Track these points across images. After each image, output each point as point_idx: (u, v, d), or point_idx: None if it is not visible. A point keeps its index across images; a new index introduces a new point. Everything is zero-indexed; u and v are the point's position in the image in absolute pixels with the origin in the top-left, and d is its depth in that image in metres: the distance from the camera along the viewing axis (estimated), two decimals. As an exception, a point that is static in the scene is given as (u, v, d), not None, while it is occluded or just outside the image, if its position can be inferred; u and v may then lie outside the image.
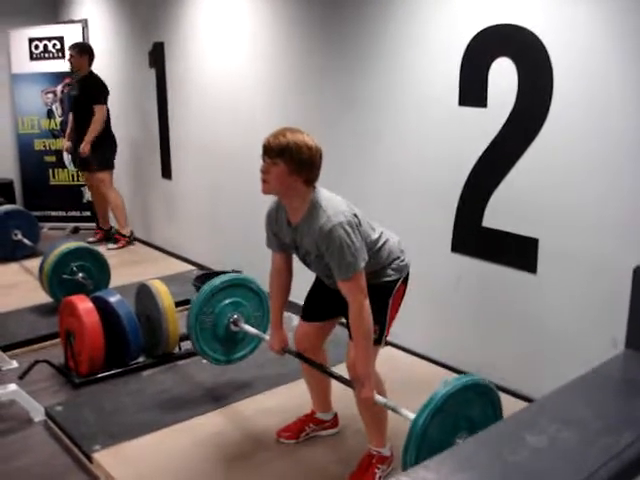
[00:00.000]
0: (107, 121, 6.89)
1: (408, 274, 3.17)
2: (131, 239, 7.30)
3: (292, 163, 2.81)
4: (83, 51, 6.87)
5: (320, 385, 3.55)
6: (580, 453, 1.51)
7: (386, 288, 3.08)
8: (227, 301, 3.72)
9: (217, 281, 3.71)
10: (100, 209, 7.42)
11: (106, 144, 6.92)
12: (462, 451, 1.58)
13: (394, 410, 2.87)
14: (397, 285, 3.10)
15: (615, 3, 3.30)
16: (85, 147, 6.74)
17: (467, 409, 2.61)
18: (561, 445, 1.54)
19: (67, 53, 6.96)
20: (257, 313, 3.83)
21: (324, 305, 3.31)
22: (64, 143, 7.30)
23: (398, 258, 3.11)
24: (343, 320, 3.15)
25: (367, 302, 2.86)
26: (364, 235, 2.92)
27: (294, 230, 3.00)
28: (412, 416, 2.60)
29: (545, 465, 1.46)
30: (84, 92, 6.81)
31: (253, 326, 3.75)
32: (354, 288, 2.84)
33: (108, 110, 6.88)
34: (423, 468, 1.42)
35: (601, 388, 1.98)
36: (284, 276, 3.28)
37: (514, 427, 1.68)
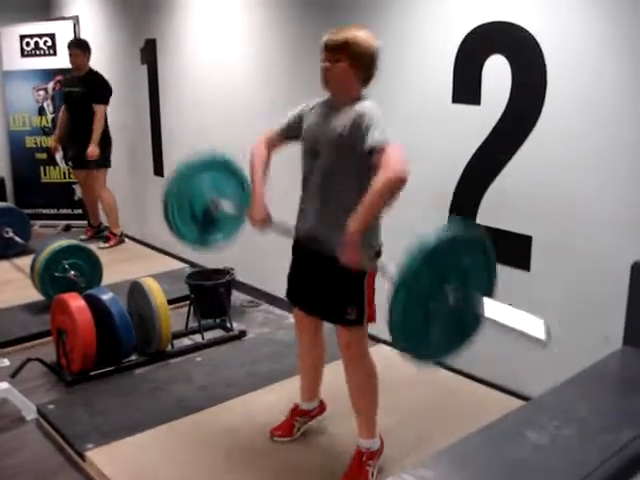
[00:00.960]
0: (105, 120, 6.85)
1: (381, 253, 3.12)
2: (122, 238, 7.28)
3: (354, 58, 2.88)
4: (85, 48, 6.82)
5: (314, 369, 3.51)
6: (581, 450, 1.51)
7: (360, 270, 3.02)
8: (207, 181, 3.52)
9: (197, 160, 3.54)
10: (90, 206, 7.40)
11: (105, 143, 6.88)
12: (462, 448, 1.57)
13: (382, 269, 2.69)
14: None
15: (610, 1, 3.30)
16: (94, 150, 6.71)
17: (458, 258, 2.48)
18: (561, 442, 1.54)
19: (67, 51, 6.85)
20: (237, 195, 3.59)
21: (306, 294, 3.26)
22: (52, 143, 7.26)
23: (378, 238, 3.09)
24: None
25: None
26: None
27: (330, 112, 3.00)
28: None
29: (546, 462, 1.45)
30: (89, 91, 6.74)
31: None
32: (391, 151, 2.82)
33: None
34: (422, 466, 1.41)
35: (600, 385, 1.98)
36: (268, 155, 3.25)
37: (514, 424, 1.68)
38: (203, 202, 3.49)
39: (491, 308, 2.37)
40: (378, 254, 3.07)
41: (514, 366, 3.98)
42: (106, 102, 6.79)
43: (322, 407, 3.65)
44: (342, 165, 2.93)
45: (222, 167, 3.61)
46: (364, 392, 3.20)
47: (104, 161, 6.91)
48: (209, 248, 3.68)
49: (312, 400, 3.60)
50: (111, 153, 7.01)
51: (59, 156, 7.83)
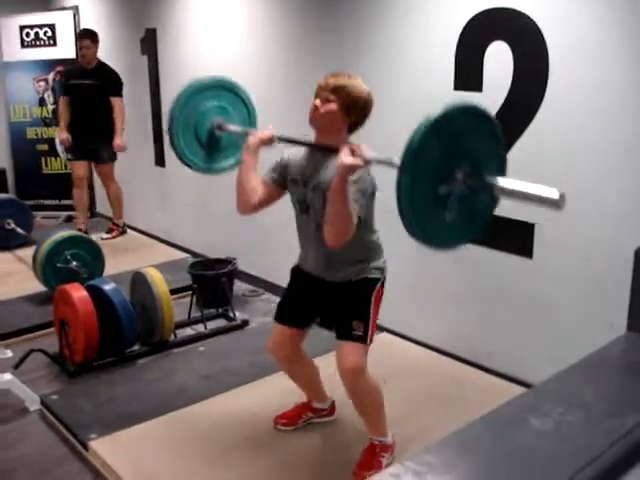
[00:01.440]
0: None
1: (385, 278, 3.14)
2: (124, 229, 7.30)
3: (346, 103, 2.87)
4: (96, 39, 6.69)
5: (309, 381, 3.52)
6: (585, 435, 1.50)
7: (368, 285, 3.06)
8: (214, 103, 3.45)
9: (206, 79, 3.50)
10: (86, 200, 7.26)
11: (113, 136, 6.74)
12: (466, 435, 1.56)
13: (388, 162, 2.49)
14: (377, 285, 3.08)
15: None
16: (122, 142, 6.69)
17: (466, 136, 2.30)
18: (566, 428, 1.53)
19: (77, 42, 6.78)
20: (243, 119, 3.55)
21: (301, 309, 3.26)
22: (61, 134, 6.89)
23: (382, 257, 3.13)
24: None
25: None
26: (370, 211, 2.97)
27: (315, 162, 2.98)
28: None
29: (550, 448, 1.44)
30: (104, 83, 6.65)
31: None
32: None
33: None
34: (427, 453, 1.40)
35: (604, 370, 1.97)
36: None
37: (518, 410, 1.67)
38: (208, 125, 3.43)
39: (504, 184, 2.28)
40: (382, 272, 3.10)
41: (518, 354, 3.97)
42: (122, 94, 6.74)
43: (333, 409, 3.65)
44: None
45: (225, 89, 3.55)
46: (369, 410, 3.19)
47: (114, 154, 6.88)
48: (218, 173, 3.58)
49: (324, 401, 3.61)
50: None
51: (60, 148, 7.80)
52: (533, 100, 3.65)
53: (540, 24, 3.55)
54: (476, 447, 1.46)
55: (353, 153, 2.61)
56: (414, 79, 4.25)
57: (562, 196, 2.08)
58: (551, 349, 3.77)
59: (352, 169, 2.63)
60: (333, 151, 2.72)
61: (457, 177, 2.23)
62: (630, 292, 2.42)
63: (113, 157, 6.91)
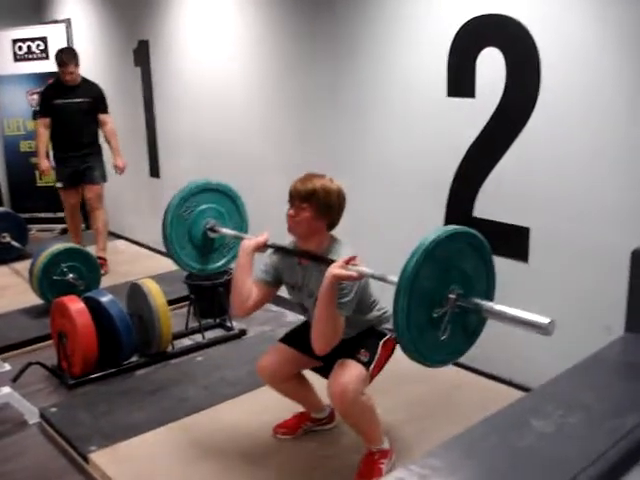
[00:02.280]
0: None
1: (395, 345, 3.10)
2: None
3: (319, 207, 2.92)
4: (78, 61, 6.22)
5: (301, 395, 3.49)
6: (587, 437, 1.51)
7: (376, 332, 3.13)
8: (203, 206, 3.60)
9: (192, 185, 3.60)
10: (77, 227, 6.77)
11: (102, 156, 6.49)
12: (468, 438, 1.57)
13: (382, 279, 2.63)
14: (386, 336, 3.11)
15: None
16: (122, 161, 6.35)
17: (458, 260, 2.48)
18: (568, 429, 1.54)
19: (60, 67, 6.14)
20: (234, 220, 3.70)
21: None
22: (41, 163, 6.31)
23: (387, 323, 3.16)
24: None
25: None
26: (365, 293, 3.03)
27: (304, 269, 3.05)
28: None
29: (553, 449, 1.45)
30: (92, 100, 6.24)
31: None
32: None
33: None
34: (430, 456, 1.41)
35: (603, 372, 1.98)
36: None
37: (520, 413, 1.68)
38: (201, 227, 3.60)
39: (493, 308, 2.38)
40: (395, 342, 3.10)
41: (516, 358, 3.98)
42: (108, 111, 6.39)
43: (332, 416, 3.64)
44: None
45: (217, 192, 3.68)
46: (363, 427, 3.17)
47: (105, 174, 6.51)
48: (211, 273, 3.80)
49: (321, 410, 3.60)
50: None
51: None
52: (526, 105, 3.66)
53: (532, 30, 3.57)
54: (479, 449, 1.46)
55: (347, 263, 2.69)
56: (407, 85, 4.26)
57: (552, 322, 2.18)
58: (549, 352, 3.77)
59: (342, 279, 2.71)
60: (327, 262, 2.78)
61: (450, 298, 2.40)
62: (627, 294, 2.44)
63: (105, 177, 6.50)
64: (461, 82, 3.95)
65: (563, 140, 3.56)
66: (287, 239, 3.18)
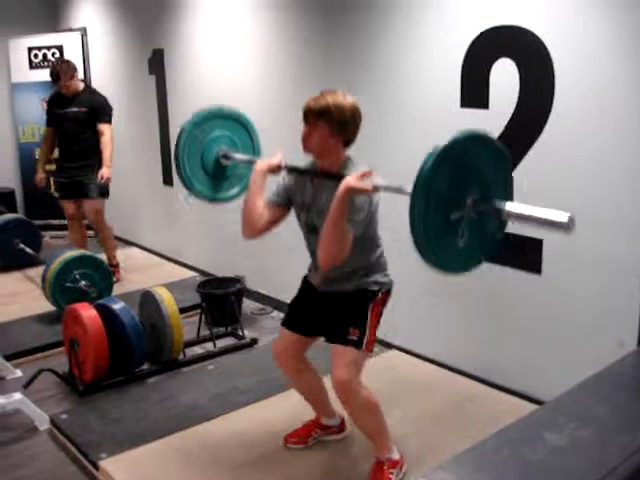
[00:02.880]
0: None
1: (390, 292, 3.16)
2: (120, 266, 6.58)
3: (333, 124, 2.88)
4: (73, 73, 6.00)
5: (314, 394, 3.50)
6: (599, 450, 1.50)
7: (365, 296, 3.08)
8: (217, 132, 3.51)
9: (203, 111, 3.51)
10: (78, 238, 6.62)
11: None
12: (480, 451, 1.56)
13: (399, 190, 2.52)
14: (376, 297, 3.09)
15: (618, 3, 3.30)
16: (107, 172, 5.95)
17: (476, 164, 2.39)
18: (580, 443, 1.53)
19: (56, 79, 5.96)
20: (247, 151, 3.60)
21: (305, 318, 3.28)
22: (37, 172, 6.36)
23: (384, 271, 3.14)
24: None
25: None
26: (373, 222, 2.99)
27: (316, 187, 3.01)
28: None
29: (565, 463, 1.44)
30: (90, 110, 6.01)
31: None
32: None
33: None
34: (442, 469, 1.40)
35: (615, 386, 1.97)
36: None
37: (532, 426, 1.67)
38: (213, 154, 3.49)
39: (513, 208, 2.32)
40: (382, 285, 3.11)
41: (528, 371, 3.96)
42: (110, 121, 6.09)
43: (342, 426, 3.63)
44: None
45: (230, 119, 3.58)
46: (368, 425, 3.19)
47: (105, 189, 6.20)
48: (222, 202, 3.67)
49: (333, 417, 3.59)
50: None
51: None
52: (539, 117, 3.66)
53: (546, 41, 3.56)
54: (491, 463, 1.46)
55: (362, 177, 2.64)
56: (421, 95, 4.26)
57: (571, 219, 2.11)
58: (561, 365, 3.76)
59: (356, 192, 2.67)
60: (340, 178, 2.72)
61: (467, 203, 2.31)
62: (639, 308, 2.42)
63: (104, 192, 6.21)
64: (475, 93, 3.95)
65: (576, 151, 3.55)
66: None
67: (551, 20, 3.56)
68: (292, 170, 3.11)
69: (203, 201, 3.59)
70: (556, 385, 3.74)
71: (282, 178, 3.16)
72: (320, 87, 4.88)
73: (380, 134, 4.56)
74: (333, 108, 2.87)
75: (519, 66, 3.71)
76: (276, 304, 5.58)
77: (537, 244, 3.79)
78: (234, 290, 5.07)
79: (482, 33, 3.85)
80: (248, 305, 5.59)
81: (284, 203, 3.13)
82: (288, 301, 5.20)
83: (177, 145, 3.44)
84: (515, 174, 3.76)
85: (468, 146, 2.36)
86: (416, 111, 4.31)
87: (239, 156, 3.50)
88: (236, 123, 3.59)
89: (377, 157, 4.61)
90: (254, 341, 4.96)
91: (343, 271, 3.02)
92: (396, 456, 3.23)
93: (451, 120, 4.10)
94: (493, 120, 3.86)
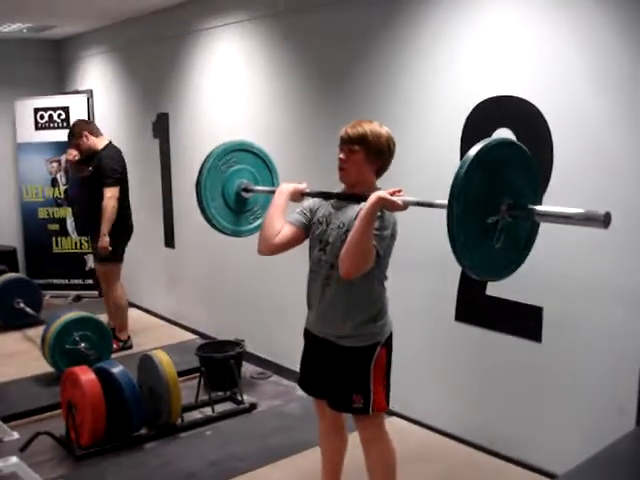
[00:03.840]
0: (123, 206, 5.95)
1: (391, 341, 3.14)
2: (129, 344, 6.22)
3: (370, 151, 2.96)
4: (76, 132, 5.98)
5: (332, 454, 3.43)
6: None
7: (364, 354, 3.04)
8: (240, 166, 3.56)
9: (233, 142, 3.58)
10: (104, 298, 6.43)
11: (118, 232, 5.86)
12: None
13: (430, 204, 2.65)
14: (377, 350, 3.04)
15: (614, 74, 3.36)
16: (104, 241, 5.71)
17: (507, 170, 2.44)
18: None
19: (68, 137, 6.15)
20: (266, 185, 3.64)
21: (316, 381, 3.23)
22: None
23: (385, 316, 3.10)
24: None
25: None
26: (387, 250, 3.00)
27: (338, 206, 3.07)
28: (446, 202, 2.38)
29: None
30: (95, 172, 5.87)
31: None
32: None
33: (127, 192, 6.04)
34: None
35: (615, 470, 1.95)
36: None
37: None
38: (234, 188, 3.53)
39: (546, 210, 2.40)
40: (382, 334, 3.08)
41: (530, 439, 3.93)
42: (113, 183, 5.78)
43: None
44: None
45: (254, 155, 3.64)
46: (382, 474, 3.18)
47: (114, 254, 5.91)
48: (246, 235, 3.67)
49: None
50: (126, 245, 6.13)
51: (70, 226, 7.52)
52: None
53: (543, 111, 3.62)
54: None
55: (392, 194, 2.71)
56: (422, 161, 4.30)
57: (607, 214, 2.12)
58: (562, 434, 3.74)
59: (387, 204, 2.71)
60: (362, 199, 2.79)
61: (502, 207, 2.37)
62: (638, 387, 2.41)
63: (104, 258, 5.91)
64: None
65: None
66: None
67: (548, 90, 3.63)
68: (317, 195, 3.18)
69: (225, 234, 3.61)
70: (557, 453, 3.74)
71: (306, 200, 3.22)
72: (327, 141, 4.97)
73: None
74: (370, 135, 2.96)
75: (517, 136, 3.76)
76: (276, 368, 5.56)
77: (537, 311, 3.79)
78: (233, 354, 5.05)
79: (481, 103, 3.92)
80: (248, 369, 5.56)
81: (302, 225, 3.16)
82: (289, 365, 5.22)
83: (201, 169, 3.47)
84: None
85: (499, 152, 2.42)
86: (417, 176, 4.35)
87: (260, 188, 3.55)
88: (256, 157, 3.65)
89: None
90: (253, 406, 4.91)
91: (346, 304, 3.00)
92: None
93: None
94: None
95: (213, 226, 3.55)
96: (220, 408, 4.86)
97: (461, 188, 2.29)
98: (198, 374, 5.01)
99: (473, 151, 2.33)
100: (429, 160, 4.26)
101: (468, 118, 3.99)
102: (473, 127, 3.98)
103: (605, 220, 2.19)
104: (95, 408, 4.14)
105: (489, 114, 3.90)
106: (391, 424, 4.16)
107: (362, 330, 3.03)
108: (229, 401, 5.01)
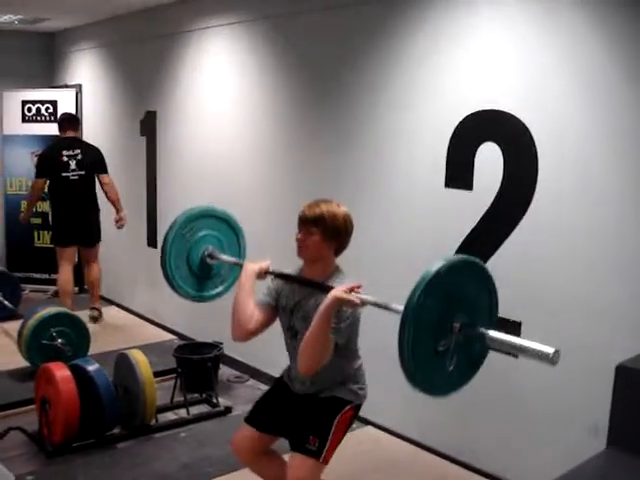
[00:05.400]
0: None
1: (360, 407, 3.15)
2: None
3: (326, 231, 2.96)
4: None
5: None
6: None
7: (335, 405, 3.06)
8: (205, 232, 3.52)
9: (195, 209, 3.54)
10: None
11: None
12: None
13: (386, 307, 2.61)
14: (346, 407, 3.07)
15: (600, 86, 3.38)
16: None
17: (462, 289, 2.45)
18: None
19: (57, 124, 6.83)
20: (233, 252, 3.61)
21: (274, 417, 3.22)
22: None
23: (361, 384, 3.14)
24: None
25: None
26: (355, 332, 3.01)
27: (303, 292, 3.05)
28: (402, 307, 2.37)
29: None
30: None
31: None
32: None
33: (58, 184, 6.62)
34: None
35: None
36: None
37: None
38: (199, 254, 3.51)
39: (497, 337, 2.37)
40: (356, 397, 3.10)
41: (501, 452, 3.94)
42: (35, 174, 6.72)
43: None
44: None
45: (221, 220, 3.61)
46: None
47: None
48: (207, 301, 3.67)
49: None
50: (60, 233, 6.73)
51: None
52: (523, 199, 3.71)
53: (529, 126, 3.64)
54: None
55: (350, 291, 2.70)
56: (405, 174, 4.32)
57: (557, 352, 2.16)
58: (534, 449, 3.74)
59: (344, 303, 2.72)
60: (327, 289, 2.79)
61: (455, 328, 2.38)
62: (610, 408, 2.43)
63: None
64: (459, 174, 4.00)
65: (559, 236, 3.60)
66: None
67: (534, 105, 3.64)
68: (279, 276, 3.17)
69: (189, 299, 3.61)
70: (527, 468, 3.75)
71: (271, 280, 3.21)
72: (312, 149, 4.99)
73: (364, 211, 4.60)
74: (327, 216, 2.97)
75: (503, 150, 3.78)
76: (253, 372, 5.54)
77: (516, 326, 3.80)
78: (211, 356, 5.03)
79: (467, 116, 3.93)
80: (225, 371, 5.55)
81: (271, 307, 3.17)
82: (265, 369, 5.21)
83: (166, 237, 3.47)
84: (497, 255, 3.85)
85: (459, 272, 2.43)
86: (400, 189, 4.36)
87: (225, 257, 3.52)
88: (225, 224, 3.62)
89: (360, 234, 4.64)
90: (228, 409, 4.90)
91: (322, 379, 3.02)
92: None
93: (435, 199, 4.15)
94: (476, 201, 3.91)
95: (177, 292, 3.54)
96: (195, 410, 4.86)
97: (413, 314, 2.29)
98: (174, 375, 4.99)
99: (429, 273, 2.32)
100: (418, 161, 4.27)
101: (454, 131, 4.00)
102: (460, 139, 3.99)
103: (553, 359, 2.20)
104: (69, 405, 4.11)
105: (475, 127, 3.91)
106: (365, 433, 4.17)
107: (338, 393, 3.07)
108: (204, 403, 5.00)
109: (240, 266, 3.30)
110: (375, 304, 2.68)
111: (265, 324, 3.15)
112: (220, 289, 3.63)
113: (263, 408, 3.28)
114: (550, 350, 2.20)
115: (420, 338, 2.31)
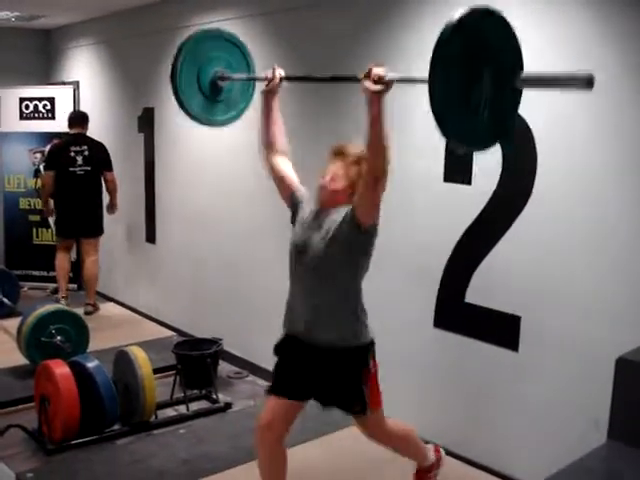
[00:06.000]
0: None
1: (374, 342, 3.16)
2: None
3: (352, 180, 3.03)
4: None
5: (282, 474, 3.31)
6: None
7: (356, 360, 3.08)
8: (215, 53, 3.44)
9: (209, 29, 3.53)
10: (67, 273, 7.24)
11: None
12: None
13: (411, 80, 2.74)
14: (369, 361, 3.10)
15: (601, 87, 3.37)
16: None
17: (487, 39, 2.34)
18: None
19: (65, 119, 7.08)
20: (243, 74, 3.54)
21: (301, 382, 3.16)
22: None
23: (366, 320, 3.15)
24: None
25: None
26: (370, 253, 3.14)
27: (320, 213, 3.12)
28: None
29: None
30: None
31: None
32: None
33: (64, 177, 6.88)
34: None
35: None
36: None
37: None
38: (209, 75, 3.44)
39: (528, 75, 2.35)
40: (367, 328, 3.12)
41: (501, 446, 3.94)
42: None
43: None
44: (331, 255, 3.02)
45: (228, 42, 3.55)
46: (404, 452, 3.44)
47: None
48: (217, 126, 3.67)
49: None
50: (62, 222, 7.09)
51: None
52: (521, 194, 3.70)
53: (529, 121, 3.62)
54: None
55: (376, 81, 2.66)
56: (404, 168, 4.30)
57: (592, 75, 2.09)
58: (534, 444, 3.74)
59: (379, 93, 2.70)
60: (352, 80, 2.79)
61: (484, 75, 2.32)
62: (611, 401, 2.42)
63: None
64: (458, 169, 4.00)
65: (558, 231, 3.59)
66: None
67: (534, 100, 3.62)
68: (295, 79, 3.28)
69: (197, 123, 3.55)
70: (528, 462, 3.75)
71: (301, 193, 3.28)
72: (309, 150, 4.96)
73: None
74: (355, 166, 3.04)
75: (502, 146, 3.76)
76: (252, 368, 5.54)
77: (515, 320, 3.80)
78: (210, 352, 5.02)
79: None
80: (224, 367, 5.53)
81: (292, 189, 3.29)
82: (264, 365, 5.20)
83: (176, 56, 3.36)
84: (496, 250, 3.85)
85: (481, 19, 2.34)
86: (399, 182, 4.33)
87: (237, 75, 3.46)
88: (232, 46, 3.54)
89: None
90: (228, 405, 4.90)
91: (331, 304, 3.03)
92: (430, 461, 3.53)
93: (434, 194, 4.15)
94: (475, 196, 3.90)
95: (186, 112, 3.46)
96: (195, 406, 4.85)
97: (442, 52, 2.24)
98: (174, 371, 4.98)
99: (455, 17, 2.25)
100: (411, 163, 4.27)
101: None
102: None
103: (590, 81, 2.13)
104: (68, 402, 4.11)
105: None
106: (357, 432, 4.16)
107: (349, 339, 3.07)
108: (204, 400, 5.00)
109: (252, 80, 3.35)
110: (401, 79, 2.73)
111: (281, 179, 3.36)
112: (230, 114, 3.59)
113: (286, 375, 3.20)
114: (585, 74, 2.13)
115: (451, 79, 2.26)
